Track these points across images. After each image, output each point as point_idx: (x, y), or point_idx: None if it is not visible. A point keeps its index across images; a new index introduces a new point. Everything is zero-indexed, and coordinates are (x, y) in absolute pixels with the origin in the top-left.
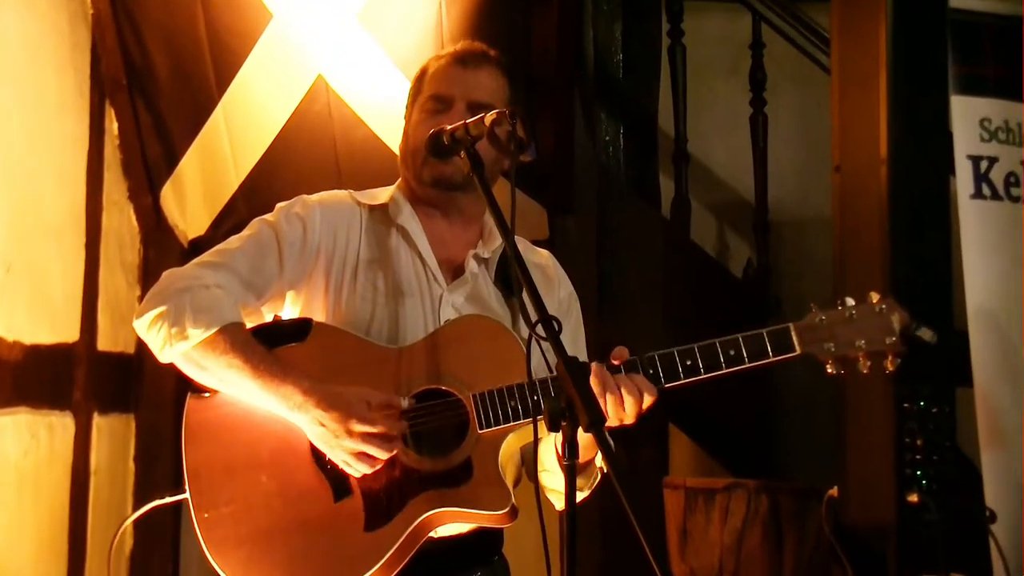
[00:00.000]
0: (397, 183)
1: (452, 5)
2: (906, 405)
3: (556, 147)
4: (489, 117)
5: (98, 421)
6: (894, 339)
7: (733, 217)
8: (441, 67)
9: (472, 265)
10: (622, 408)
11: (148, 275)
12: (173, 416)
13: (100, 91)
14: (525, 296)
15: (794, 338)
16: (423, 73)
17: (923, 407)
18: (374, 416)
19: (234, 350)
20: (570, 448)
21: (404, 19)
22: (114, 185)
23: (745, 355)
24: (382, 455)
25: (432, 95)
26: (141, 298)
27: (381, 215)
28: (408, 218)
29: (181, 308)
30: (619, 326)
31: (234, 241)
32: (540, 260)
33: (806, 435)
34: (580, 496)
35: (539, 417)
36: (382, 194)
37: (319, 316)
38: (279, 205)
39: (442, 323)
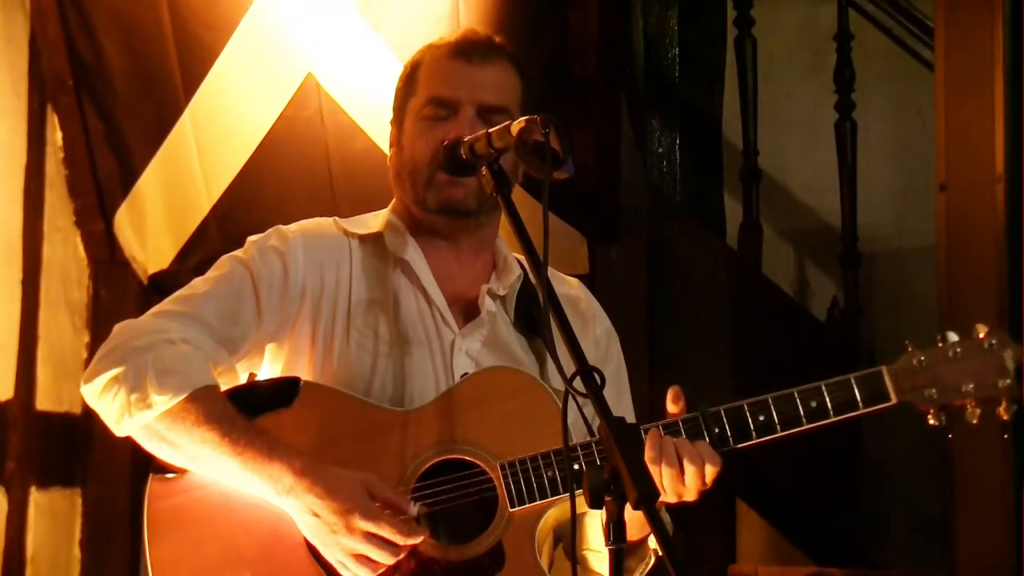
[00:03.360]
0: (390, 206)
1: None
2: None
3: (598, 162)
4: (516, 125)
5: (36, 497)
6: (1008, 381)
7: (815, 247)
8: (439, 62)
9: (488, 303)
10: (681, 481)
11: (99, 318)
12: (129, 492)
13: (41, 93)
14: (556, 336)
15: (888, 384)
16: (415, 68)
17: None
18: (380, 511)
19: (208, 421)
20: (616, 529)
21: (411, 7)
22: (57, 208)
23: (830, 407)
24: (387, 560)
25: (432, 98)
26: (90, 346)
27: (374, 247)
28: (409, 250)
29: (142, 369)
30: (675, 381)
31: (200, 284)
32: (570, 292)
33: (905, 512)
34: None
35: (578, 491)
36: (374, 221)
37: (305, 373)
38: (251, 239)
39: (456, 375)
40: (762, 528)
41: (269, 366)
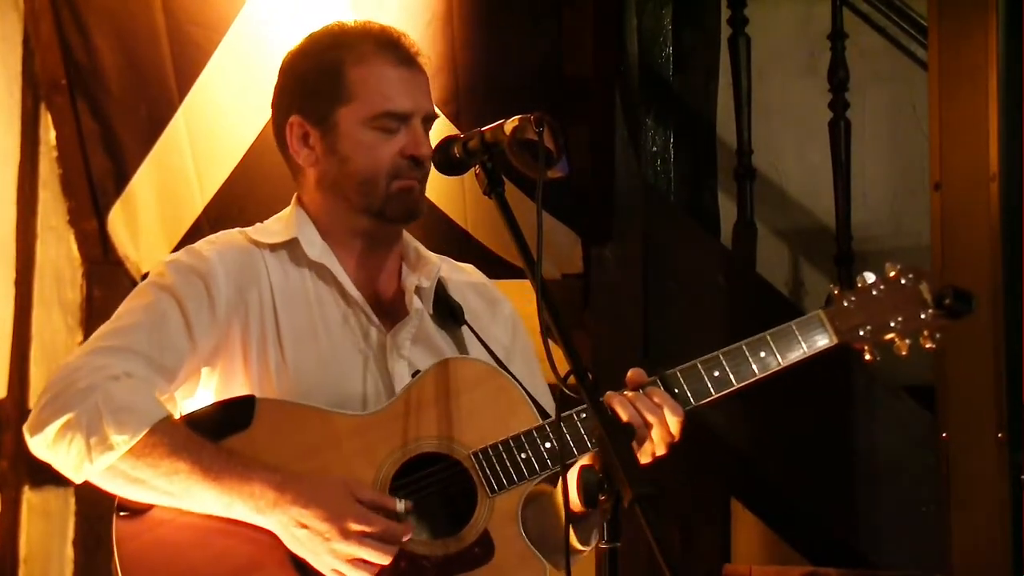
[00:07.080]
0: (292, 206)
1: None
2: None
3: (592, 161)
4: (510, 124)
5: (29, 497)
6: (931, 311)
7: (809, 246)
8: (381, 70)
9: (416, 301)
10: (648, 437)
11: (92, 317)
12: None
13: (34, 93)
14: (470, 324)
15: (827, 326)
16: (337, 69)
17: None
18: (369, 512)
19: (175, 452)
20: (612, 529)
21: (406, 5)
22: (51, 207)
23: (777, 355)
24: (382, 559)
25: (387, 112)
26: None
27: (286, 254)
28: (323, 253)
29: (94, 411)
30: None
31: (126, 316)
32: (472, 279)
33: (900, 513)
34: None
35: (555, 468)
36: (279, 227)
37: (242, 392)
38: (165, 261)
39: (393, 375)
40: (757, 527)
41: (202, 390)
